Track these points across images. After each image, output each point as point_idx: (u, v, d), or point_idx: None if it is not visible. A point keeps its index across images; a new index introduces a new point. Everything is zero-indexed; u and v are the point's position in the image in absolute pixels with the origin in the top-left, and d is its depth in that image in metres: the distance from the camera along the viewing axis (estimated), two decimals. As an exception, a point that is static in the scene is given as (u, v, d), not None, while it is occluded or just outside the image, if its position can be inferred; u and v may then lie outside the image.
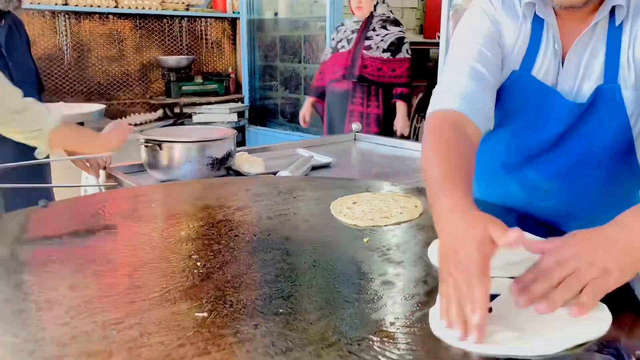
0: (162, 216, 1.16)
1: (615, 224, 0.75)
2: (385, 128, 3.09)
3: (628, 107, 1.02)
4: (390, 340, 0.65)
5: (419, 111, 4.08)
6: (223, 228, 1.05)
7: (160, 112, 4.63)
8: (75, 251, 0.94)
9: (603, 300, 0.69)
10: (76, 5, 4.13)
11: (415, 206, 1.16)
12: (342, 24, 3.27)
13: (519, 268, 0.84)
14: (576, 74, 1.05)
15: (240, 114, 4.82)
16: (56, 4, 4.06)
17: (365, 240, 0.99)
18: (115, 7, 4.33)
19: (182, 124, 4.46)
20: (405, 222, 1.08)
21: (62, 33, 4.19)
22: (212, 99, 4.68)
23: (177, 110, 4.59)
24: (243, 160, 1.85)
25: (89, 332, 0.66)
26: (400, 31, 3.10)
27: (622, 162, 1.09)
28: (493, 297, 0.75)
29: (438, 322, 0.69)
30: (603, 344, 0.65)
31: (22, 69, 1.70)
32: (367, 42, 3.07)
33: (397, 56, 3.08)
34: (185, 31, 4.81)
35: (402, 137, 3.00)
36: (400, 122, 3.08)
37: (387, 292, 0.78)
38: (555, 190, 1.14)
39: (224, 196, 1.27)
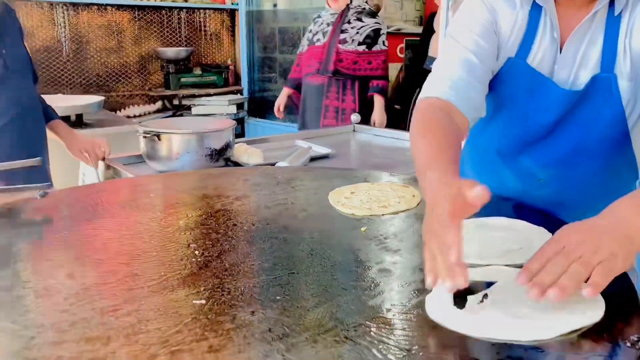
0: (161, 206, 1.16)
1: (606, 215, 0.75)
2: (361, 122, 3.06)
3: (624, 97, 1.02)
4: (387, 326, 0.66)
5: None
6: (221, 217, 1.05)
7: (159, 104, 4.63)
8: (73, 240, 0.95)
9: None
10: (74, -3, 4.11)
11: (413, 196, 1.16)
12: (320, 16, 3.21)
13: (516, 256, 0.85)
14: (573, 63, 1.05)
15: (240, 106, 4.80)
16: (54, -5, 4.04)
17: (362, 229, 0.99)
18: (114, -2, 4.31)
19: (181, 116, 4.45)
20: (403, 211, 1.09)
21: (60, 25, 4.17)
22: (211, 91, 4.66)
23: (176, 102, 4.57)
24: (242, 152, 1.85)
25: (88, 319, 0.67)
26: (376, 23, 3.05)
27: (618, 152, 1.09)
28: (490, 284, 0.76)
29: (435, 307, 0.70)
30: (598, 330, 0.65)
31: (16, 57, 1.69)
32: (342, 36, 3.01)
33: (374, 48, 3.03)
34: (184, 23, 4.79)
35: (401, 128, 2.99)
36: (378, 116, 3.05)
37: (384, 280, 0.79)
38: (551, 178, 1.14)
39: (222, 186, 1.28)
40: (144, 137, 1.72)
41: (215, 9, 4.98)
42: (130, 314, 0.68)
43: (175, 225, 1.01)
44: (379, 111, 3.05)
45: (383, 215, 1.07)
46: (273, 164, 1.71)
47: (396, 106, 4.17)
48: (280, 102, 3.30)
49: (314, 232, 0.97)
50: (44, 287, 0.76)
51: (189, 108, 4.56)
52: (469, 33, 1.08)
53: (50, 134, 1.87)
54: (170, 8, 4.67)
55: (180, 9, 4.73)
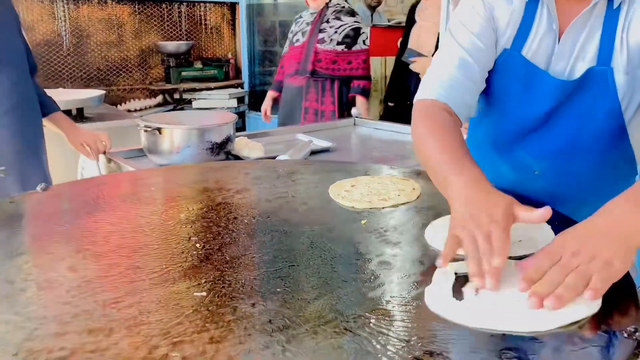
0: (162, 199, 1.17)
1: (603, 214, 0.75)
2: None
3: (620, 91, 1.02)
4: (386, 318, 0.66)
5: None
6: (222, 211, 1.06)
7: (160, 98, 4.63)
8: (75, 233, 0.95)
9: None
10: (74, -10, 4.11)
11: (413, 189, 1.16)
12: (301, 16, 3.15)
13: (515, 248, 0.86)
14: (570, 54, 1.05)
15: (240, 100, 4.80)
16: (54, -11, 4.04)
17: (363, 222, 1.00)
18: (114, -9, 4.30)
19: (181, 109, 4.46)
20: (403, 204, 1.09)
21: (60, 19, 4.16)
22: (212, 85, 4.66)
23: (176, 96, 4.58)
24: (243, 145, 1.86)
25: (90, 311, 0.68)
26: (355, 21, 2.97)
27: (614, 146, 1.09)
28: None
29: (434, 299, 0.70)
30: (595, 322, 0.66)
31: (9, 49, 1.66)
32: (320, 35, 2.94)
33: (354, 48, 2.96)
34: (185, 16, 4.78)
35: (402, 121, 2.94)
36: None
37: (384, 272, 0.79)
38: (546, 171, 1.14)
39: (223, 179, 1.28)
40: (145, 131, 1.73)
41: (215, 3, 4.96)
42: (132, 306, 0.69)
43: (176, 219, 1.01)
44: (362, 113, 2.94)
45: (383, 208, 1.07)
46: (274, 158, 1.72)
47: (390, 103, 4.10)
48: (266, 106, 3.22)
49: (315, 225, 0.98)
50: (45, 279, 0.77)
51: (189, 102, 4.56)
52: (466, 31, 1.10)
53: (51, 127, 1.86)
54: (171, 2, 4.66)
55: (181, 2, 4.72)
